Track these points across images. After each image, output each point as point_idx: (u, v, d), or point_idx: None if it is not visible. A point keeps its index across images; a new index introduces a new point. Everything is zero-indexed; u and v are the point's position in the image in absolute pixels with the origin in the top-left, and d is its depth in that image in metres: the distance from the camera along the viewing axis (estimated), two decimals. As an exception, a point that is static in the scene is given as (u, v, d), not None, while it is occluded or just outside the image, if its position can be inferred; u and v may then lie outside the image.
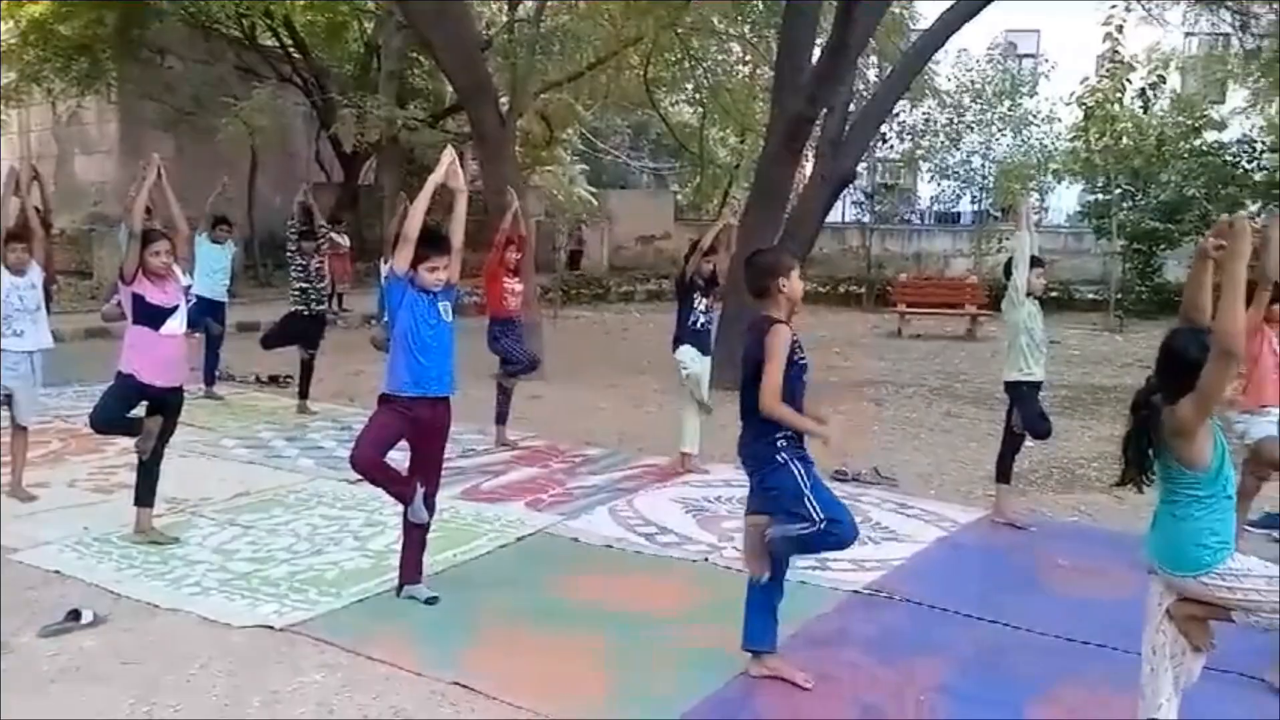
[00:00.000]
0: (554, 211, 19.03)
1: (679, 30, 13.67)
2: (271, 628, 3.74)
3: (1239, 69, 16.96)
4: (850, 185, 13.67)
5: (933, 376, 10.88)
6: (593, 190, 19.33)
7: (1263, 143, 17.81)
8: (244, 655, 3.53)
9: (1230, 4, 15.59)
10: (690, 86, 18.46)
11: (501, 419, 7.03)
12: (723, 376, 9.28)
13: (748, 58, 17.99)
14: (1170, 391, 2.61)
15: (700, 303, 6.34)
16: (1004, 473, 5.44)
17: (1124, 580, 3.85)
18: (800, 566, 4.12)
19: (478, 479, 5.96)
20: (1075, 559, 4.74)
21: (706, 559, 4.65)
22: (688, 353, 6.34)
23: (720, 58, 16.70)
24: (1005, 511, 5.39)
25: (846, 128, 10.84)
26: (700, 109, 19.92)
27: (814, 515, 3.20)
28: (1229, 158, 17.55)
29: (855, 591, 4.29)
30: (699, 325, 6.38)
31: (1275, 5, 14.76)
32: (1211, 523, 2.62)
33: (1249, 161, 17.74)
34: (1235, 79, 17.72)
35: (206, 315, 8.12)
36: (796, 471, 3.27)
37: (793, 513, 3.24)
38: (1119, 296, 16.71)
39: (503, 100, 11.22)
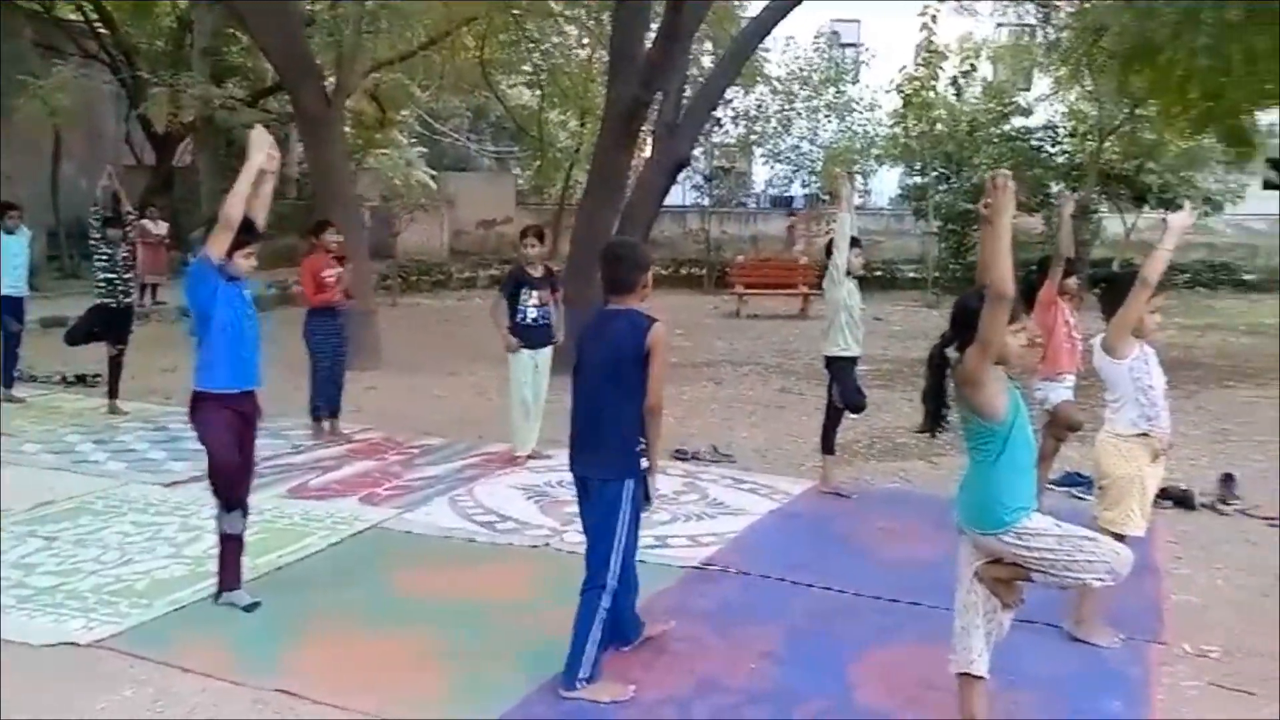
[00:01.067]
0: (390, 195, 18.46)
1: (514, 11, 13.49)
2: (77, 644, 3.48)
3: (1043, 58, 18.18)
4: (687, 169, 13.89)
5: (768, 354, 11.23)
6: (432, 173, 18.87)
7: (1064, 128, 19.24)
8: (47, 676, 3.27)
9: (1036, -1, 16.74)
10: (528, 69, 18.30)
11: (334, 412, 6.80)
12: (565, 364, 9.36)
13: (586, 41, 17.98)
14: (961, 343, 2.80)
15: (531, 296, 6.09)
16: (828, 445, 5.67)
17: (939, 540, 4.07)
18: (642, 546, 4.17)
19: (306, 475, 5.74)
20: (895, 522, 5.00)
21: (547, 544, 4.64)
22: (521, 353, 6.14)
23: (557, 40, 16.61)
24: (830, 481, 5.62)
25: (681, 112, 10.99)
26: (539, 92, 19.79)
27: (613, 565, 3.20)
28: (1034, 142, 18.87)
29: (693, 567, 4.38)
30: (529, 320, 6.11)
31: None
32: (1011, 483, 2.78)
33: (1052, 145, 19.13)
34: (1040, 68, 18.98)
35: (3, 311, 7.50)
36: (635, 505, 3.24)
37: (602, 543, 3.23)
38: (936, 274, 17.72)
39: (329, 79, 10.75)
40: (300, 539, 4.63)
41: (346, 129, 14.36)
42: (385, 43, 12.93)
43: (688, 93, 12.13)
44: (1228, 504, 5.38)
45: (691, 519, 5.09)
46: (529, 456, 6.13)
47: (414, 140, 19.17)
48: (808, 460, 6.47)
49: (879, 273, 20.09)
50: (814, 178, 21.63)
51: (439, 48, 14.30)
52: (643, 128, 10.89)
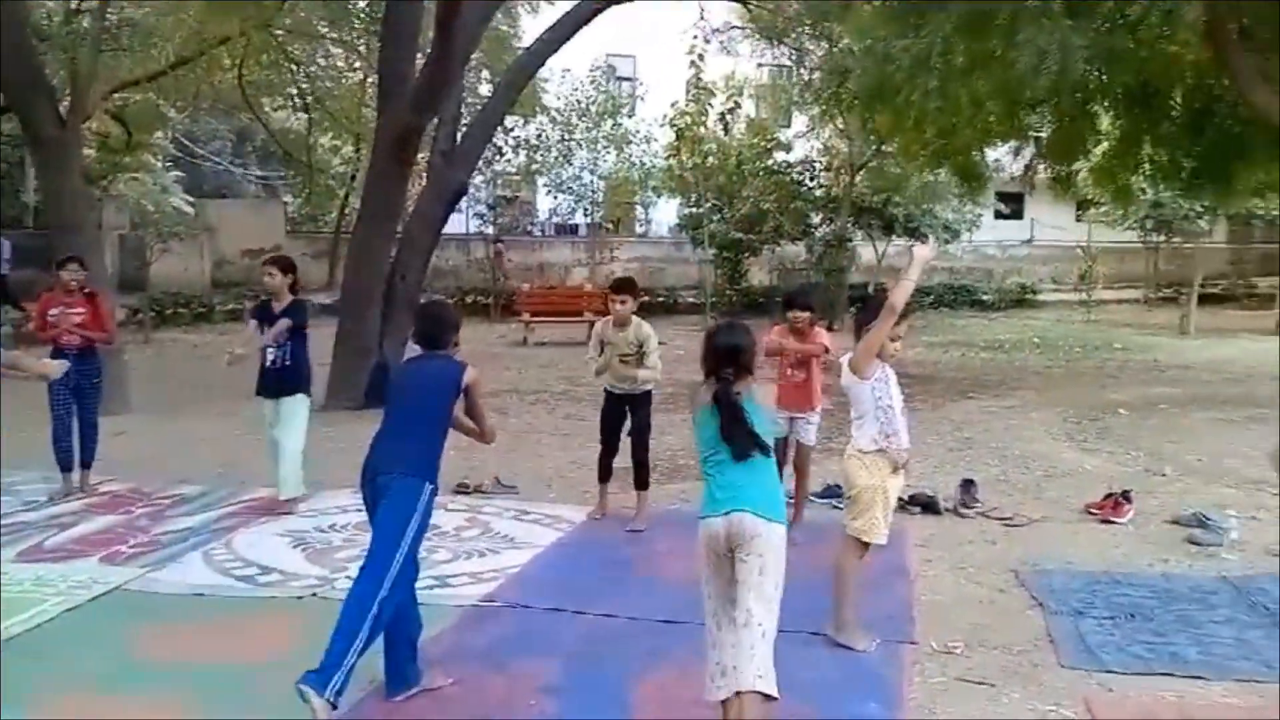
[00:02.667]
0: (142, 223, 17.06)
1: (275, 31, 12.86)
2: None
3: (798, 98, 19.48)
4: (465, 197, 13.75)
5: (556, 382, 11.26)
6: (190, 200, 17.63)
7: (820, 163, 20.65)
8: None
9: (786, 41, 17.88)
10: (294, 91, 17.50)
11: (85, 463, 6.14)
12: (340, 399, 8.96)
13: (357, 64, 17.44)
14: (741, 372, 3.04)
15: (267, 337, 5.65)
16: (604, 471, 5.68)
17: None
18: (420, 587, 4.02)
19: (40, 535, 5.15)
20: (675, 543, 5.09)
21: (314, 594, 4.37)
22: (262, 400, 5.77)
23: (322, 62, 16.00)
24: (604, 508, 5.65)
25: (457, 140, 10.87)
26: (306, 115, 18.98)
27: (394, 567, 3.18)
28: (795, 175, 20.13)
29: (472, 605, 4.27)
30: (266, 363, 5.69)
31: (824, 43, 17.16)
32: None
33: (810, 179, 20.48)
34: (796, 106, 20.33)
35: None
36: (424, 517, 3.30)
37: (388, 539, 3.18)
38: (714, 299, 18.49)
39: (65, 99, 9.81)
40: (31, 607, 4.13)
41: (89, 152, 13.17)
42: (132, 60, 11.98)
43: (466, 120, 12.06)
44: (969, 507, 5.86)
45: (474, 555, 4.98)
46: (288, 502, 5.71)
47: (169, 164, 17.88)
48: (593, 487, 6.50)
49: (661, 298, 20.76)
50: (596, 207, 22.05)
51: (193, 67, 13.40)
52: (418, 154, 10.68)
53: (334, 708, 2.95)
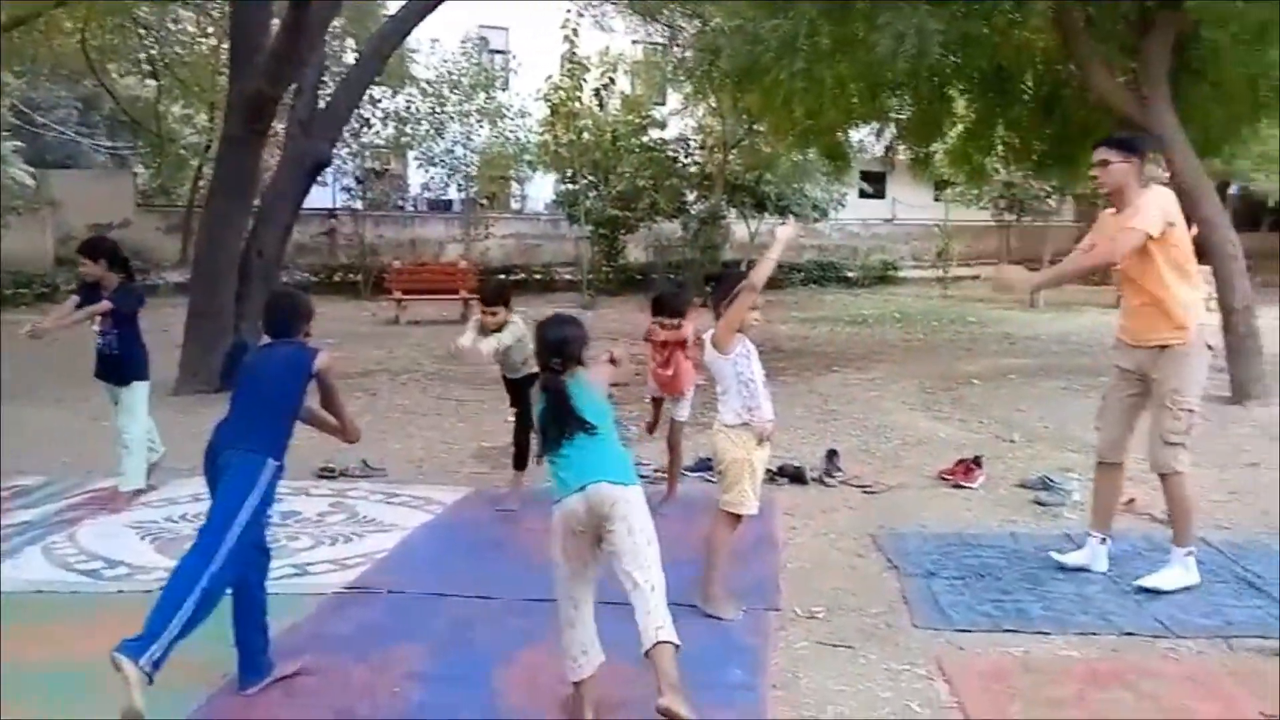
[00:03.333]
0: (-28, 196, 15.78)
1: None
2: None
3: (671, 75, 19.58)
4: (329, 169, 13.27)
5: (428, 362, 11.03)
6: (31, 171, 16.39)
7: (695, 141, 20.85)
8: None
9: (660, 18, 17.92)
10: (142, 57, 16.49)
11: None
12: (193, 381, 8.53)
13: (209, 29, 16.56)
14: (568, 362, 3.08)
15: (96, 321, 5.27)
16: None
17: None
18: (277, 577, 3.88)
19: None
20: (547, 522, 5.05)
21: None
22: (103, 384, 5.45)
23: (172, 27, 15.11)
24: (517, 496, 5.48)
25: (317, 110, 10.45)
26: (155, 82, 17.93)
27: (229, 538, 3.07)
28: (670, 153, 20.26)
29: (334, 593, 4.15)
30: (98, 348, 5.35)
31: (696, 22, 17.27)
32: None
33: (685, 156, 20.66)
34: (670, 84, 20.43)
35: None
36: (267, 494, 3.22)
37: (222, 511, 3.13)
38: (591, 276, 18.47)
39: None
40: None
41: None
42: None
43: (329, 89, 11.61)
44: (833, 476, 6.06)
45: (338, 541, 4.84)
46: (128, 495, 5.39)
47: (7, 133, 16.58)
48: (464, 467, 6.44)
49: (539, 275, 20.63)
50: (470, 182, 21.65)
51: (30, 29, 12.44)
52: (273, 124, 10.22)
53: (149, 680, 2.79)
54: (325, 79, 12.36)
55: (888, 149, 17.14)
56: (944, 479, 5.99)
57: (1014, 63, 10.84)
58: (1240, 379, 8.35)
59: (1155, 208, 4.01)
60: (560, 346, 3.12)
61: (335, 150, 17.61)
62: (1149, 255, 4.04)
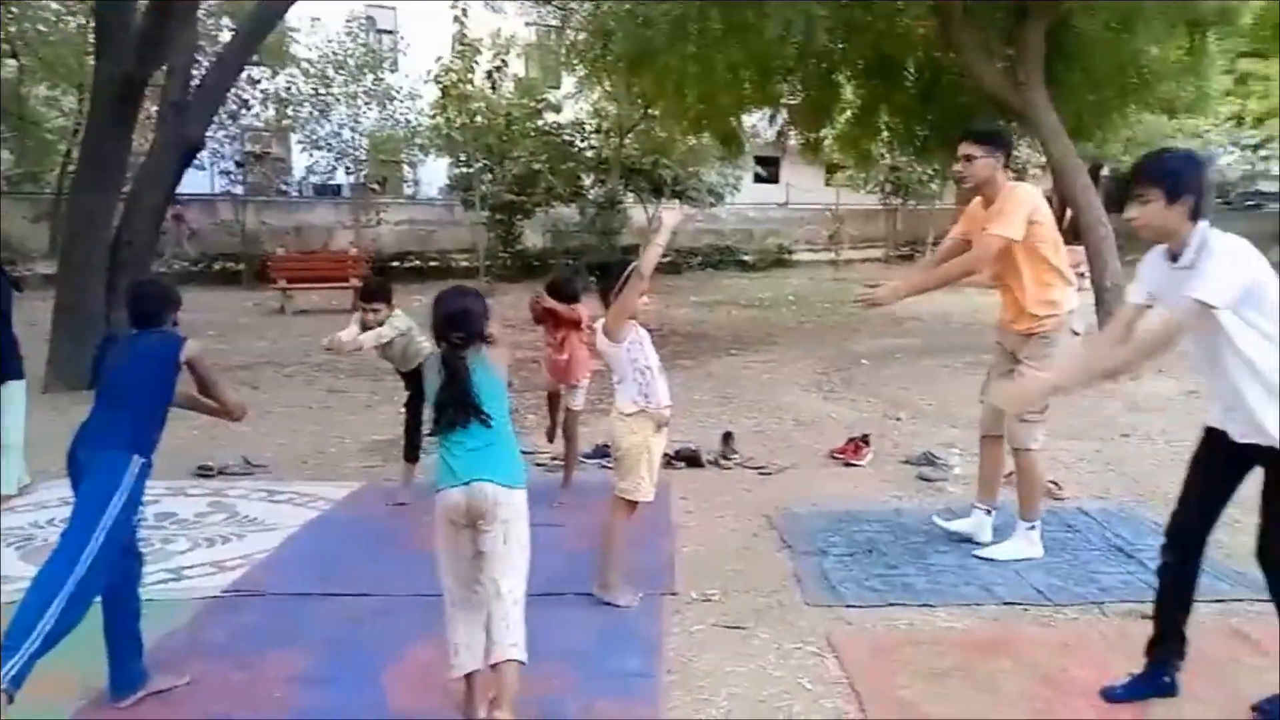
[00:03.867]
0: None
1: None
2: None
3: (565, 58, 19.42)
4: (204, 153, 12.70)
5: (316, 353, 10.65)
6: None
7: (590, 125, 20.74)
8: None
9: (552, 0, 17.72)
10: (1, 36, 15.44)
11: None
12: (63, 378, 8.04)
13: (75, 7, 15.62)
14: (471, 338, 2.96)
15: None
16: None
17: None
18: (151, 582, 3.69)
19: None
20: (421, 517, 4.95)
21: (25, 597, 3.90)
22: None
23: (33, 4, 14.19)
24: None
25: (190, 91, 9.95)
26: (16, 62, 16.83)
27: (92, 544, 2.87)
28: (566, 137, 20.11)
29: (212, 597, 3.96)
30: None
31: (588, 4, 17.13)
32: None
33: (581, 141, 20.53)
34: (565, 67, 20.26)
35: None
36: (134, 494, 3.03)
37: (85, 514, 2.93)
38: (488, 263, 18.21)
39: None
40: None
41: None
42: None
43: (203, 69, 11.07)
44: (728, 459, 6.12)
45: (216, 542, 4.62)
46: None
47: None
48: (353, 460, 6.25)
49: (434, 262, 20.21)
50: (359, 166, 21.06)
51: None
52: (142, 107, 9.70)
53: (9, 698, 2.60)
54: (199, 59, 11.79)
55: (779, 134, 17.43)
56: (835, 458, 6.11)
57: (897, 50, 11.14)
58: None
59: (1019, 209, 4.10)
60: (461, 319, 2.97)
61: (211, 133, 16.92)
62: (1011, 254, 4.18)
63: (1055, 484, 5.28)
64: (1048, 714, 2.98)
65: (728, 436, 6.32)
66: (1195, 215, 2.86)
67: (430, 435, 3.02)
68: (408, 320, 5.04)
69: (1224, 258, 2.80)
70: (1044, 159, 9.50)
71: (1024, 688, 3.15)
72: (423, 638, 3.51)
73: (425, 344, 4.98)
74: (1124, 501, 5.18)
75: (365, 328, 4.96)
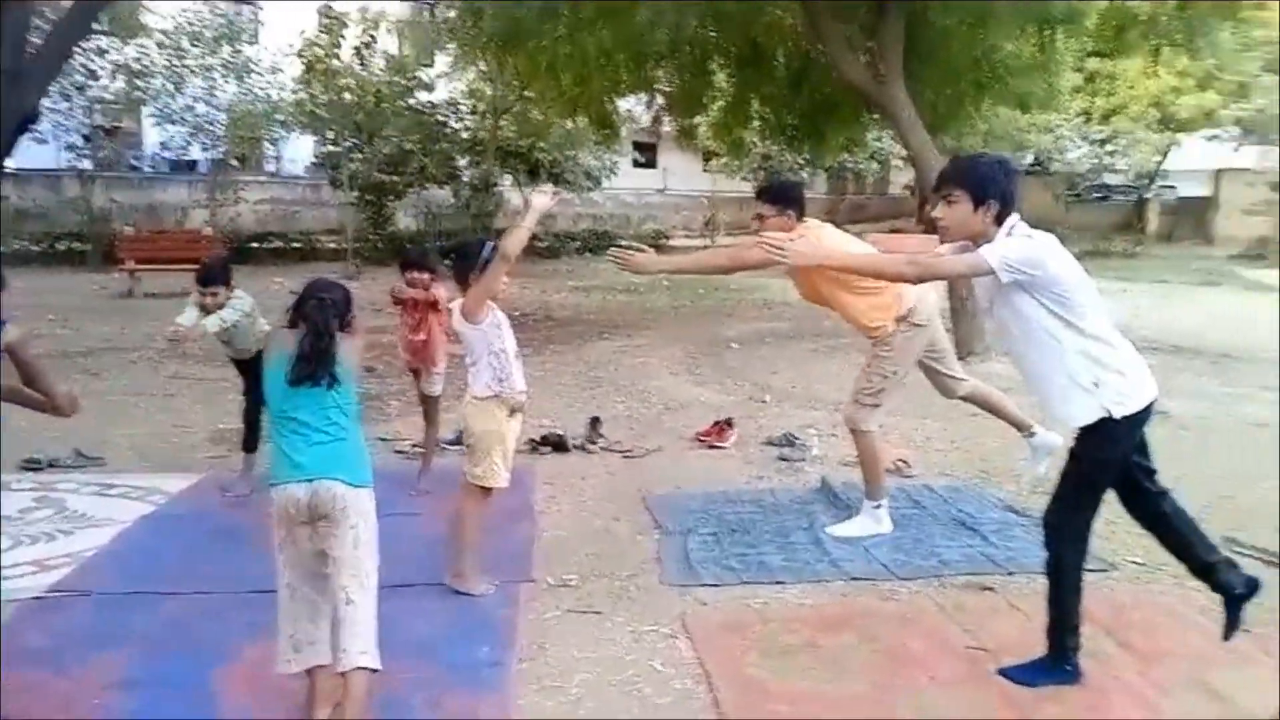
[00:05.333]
0: None
1: None
2: None
3: (438, 36, 18.93)
4: (44, 125, 11.83)
5: (163, 338, 10.09)
6: None
7: (465, 105, 20.31)
8: None
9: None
10: None
11: None
12: None
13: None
14: (337, 309, 2.82)
15: None
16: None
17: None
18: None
19: None
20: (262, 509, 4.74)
21: None
22: None
23: None
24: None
25: (25, 59, 9.21)
26: None
27: None
28: (440, 117, 19.64)
29: (34, 598, 3.69)
30: None
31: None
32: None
33: (456, 121, 20.10)
34: (437, 45, 19.74)
35: None
36: None
37: None
38: (356, 245, 17.64)
39: None
40: None
41: None
42: None
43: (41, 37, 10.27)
44: (594, 443, 6.09)
45: (40, 540, 4.31)
46: None
47: None
48: (196, 452, 5.94)
49: (298, 244, 19.46)
50: (217, 142, 20.04)
51: None
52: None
53: None
54: (39, 23, 10.94)
55: (655, 119, 17.48)
56: (700, 440, 6.17)
57: (767, 40, 11.28)
58: (962, 337, 9.15)
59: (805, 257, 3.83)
60: (328, 291, 2.85)
61: (54, 104, 15.77)
62: (815, 288, 4.31)
63: (905, 462, 5.47)
64: (887, 686, 3.07)
65: (594, 421, 6.29)
66: (1001, 219, 2.97)
67: (291, 385, 2.76)
68: (250, 300, 4.80)
69: (1020, 238, 2.92)
70: (905, 151, 9.81)
71: (866, 661, 3.23)
72: (263, 635, 3.34)
73: (267, 326, 4.76)
74: (968, 478, 5.41)
75: (205, 312, 4.69)
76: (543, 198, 3.88)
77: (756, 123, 13.88)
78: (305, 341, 2.76)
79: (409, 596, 3.64)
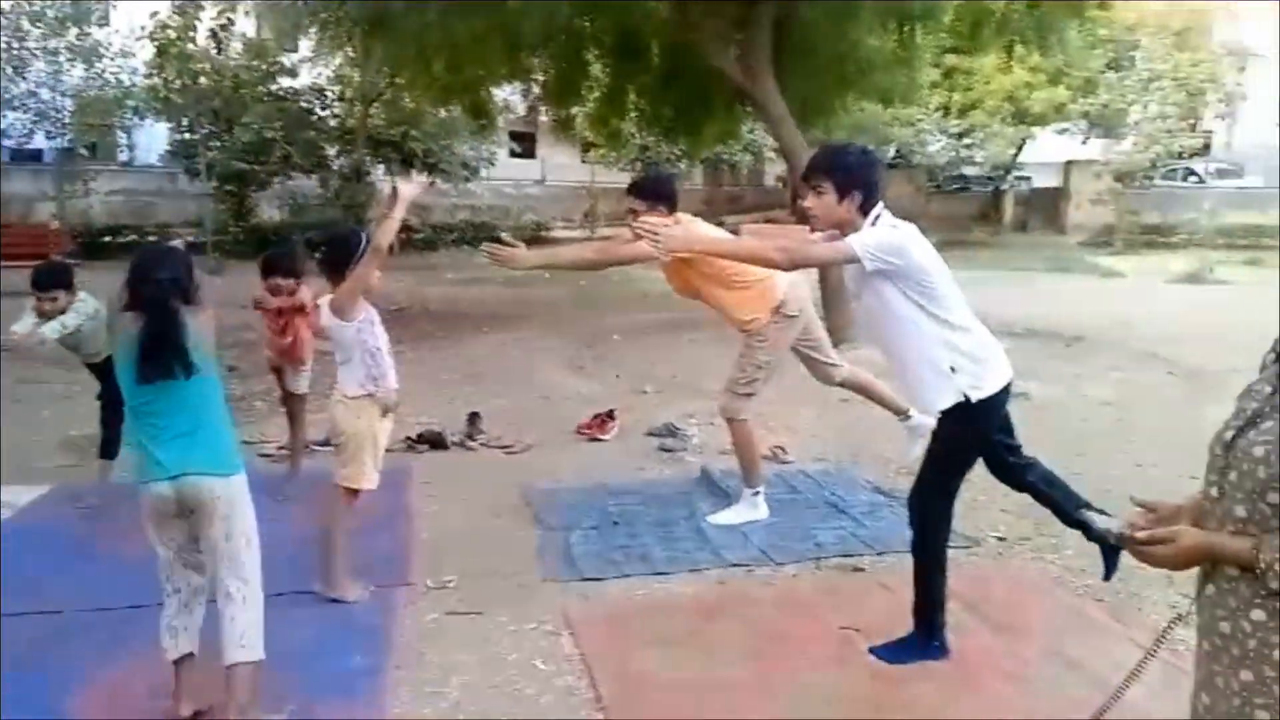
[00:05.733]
0: None
1: None
2: None
3: (300, 19, 18.18)
4: None
5: (5, 340, 9.41)
6: None
7: (332, 91, 19.63)
8: None
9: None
10: None
11: None
12: None
13: None
14: (177, 294, 2.65)
15: None
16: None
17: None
18: None
19: None
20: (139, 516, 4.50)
21: None
22: None
23: None
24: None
25: None
26: None
27: None
28: (305, 103, 18.92)
29: None
30: None
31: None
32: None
33: (322, 108, 19.40)
34: (301, 29, 18.97)
35: None
36: None
37: None
38: (217, 238, 16.85)
39: None
40: None
41: None
42: None
43: None
44: (474, 439, 6.00)
45: None
46: None
47: None
48: (47, 461, 5.56)
49: (153, 237, 18.42)
50: (64, 130, 18.79)
51: None
52: None
53: None
54: None
55: (531, 109, 17.33)
56: (581, 433, 6.15)
57: (641, 31, 11.30)
58: (834, 325, 9.40)
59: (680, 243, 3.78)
60: (165, 266, 2.68)
61: None
62: (689, 281, 4.36)
63: (780, 449, 5.59)
64: (766, 671, 3.12)
65: (473, 416, 6.19)
66: (866, 209, 3.05)
67: (141, 384, 2.62)
68: (95, 302, 4.50)
69: (885, 228, 3.02)
70: (776, 143, 10.01)
71: (746, 647, 3.28)
72: (120, 654, 3.17)
73: None
74: (840, 462, 5.57)
75: (45, 318, 4.38)
76: (411, 186, 3.76)
77: (634, 114, 13.90)
78: (147, 334, 2.60)
79: (278, 606, 3.45)
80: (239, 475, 2.74)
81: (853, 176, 3.04)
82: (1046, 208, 26.19)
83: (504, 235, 4.12)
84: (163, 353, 2.59)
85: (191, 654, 2.77)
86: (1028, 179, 29.03)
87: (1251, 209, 23.16)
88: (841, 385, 4.86)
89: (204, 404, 2.69)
